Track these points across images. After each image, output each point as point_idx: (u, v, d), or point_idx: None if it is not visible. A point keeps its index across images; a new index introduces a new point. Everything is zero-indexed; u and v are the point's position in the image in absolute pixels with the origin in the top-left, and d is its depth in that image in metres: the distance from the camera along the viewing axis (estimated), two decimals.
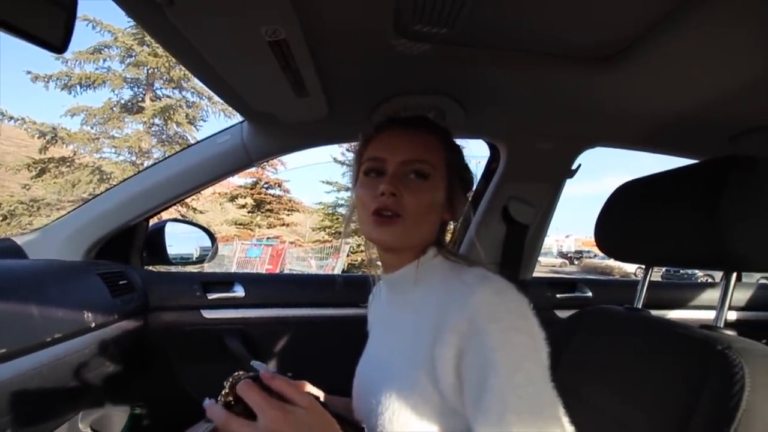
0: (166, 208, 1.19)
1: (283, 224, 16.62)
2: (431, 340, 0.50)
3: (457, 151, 0.65)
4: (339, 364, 0.79)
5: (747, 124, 1.01)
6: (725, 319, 0.66)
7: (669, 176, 0.74)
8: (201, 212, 13.48)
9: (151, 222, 1.31)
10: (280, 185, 16.62)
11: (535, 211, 1.16)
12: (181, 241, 1.47)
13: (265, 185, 16.43)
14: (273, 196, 16.57)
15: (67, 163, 11.42)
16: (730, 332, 0.63)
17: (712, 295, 1.40)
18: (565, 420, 0.44)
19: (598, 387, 0.71)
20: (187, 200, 12.97)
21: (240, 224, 15.78)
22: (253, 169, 16.30)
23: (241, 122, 1.07)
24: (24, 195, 10.55)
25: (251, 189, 16.19)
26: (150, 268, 1.32)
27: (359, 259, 13.04)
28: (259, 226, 16.03)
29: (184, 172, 1.09)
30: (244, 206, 16.10)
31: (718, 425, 0.50)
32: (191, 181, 1.09)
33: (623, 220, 0.82)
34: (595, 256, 20.45)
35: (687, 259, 0.75)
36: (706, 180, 0.65)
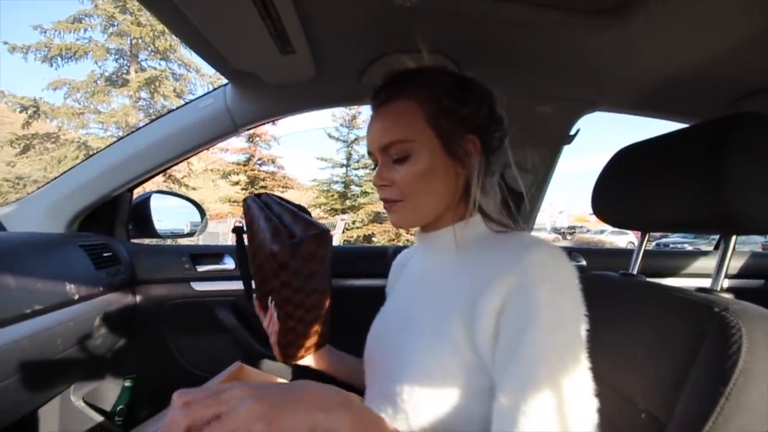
0: (150, 178, 1.15)
1: None
2: (474, 293, 0.49)
3: (446, 90, 0.55)
4: (345, 332, 0.79)
5: (750, 86, 0.97)
6: (722, 284, 0.64)
7: (668, 138, 0.72)
8: (194, 189, 13.35)
9: (136, 194, 1.28)
10: (273, 161, 16.41)
11: (531, 177, 1.13)
12: (168, 214, 1.43)
13: (259, 161, 16.21)
14: (267, 172, 16.39)
15: (52, 139, 11.15)
16: (727, 295, 0.62)
17: (706, 263, 1.40)
18: (593, 400, 0.44)
19: (594, 354, 0.70)
20: (179, 177, 12.82)
21: (234, 201, 15.65)
22: (245, 145, 16.07)
23: (225, 85, 1.01)
24: (9, 172, 10.33)
25: (244, 165, 15.98)
26: (137, 241, 1.28)
27: (355, 235, 13.09)
28: None
29: (165, 139, 1.04)
30: (237, 183, 15.94)
31: (714, 385, 0.49)
32: (174, 149, 1.05)
33: (621, 185, 0.80)
34: (588, 231, 20.71)
35: (685, 223, 0.72)
36: (707, 139, 0.62)
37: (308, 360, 0.76)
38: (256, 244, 0.69)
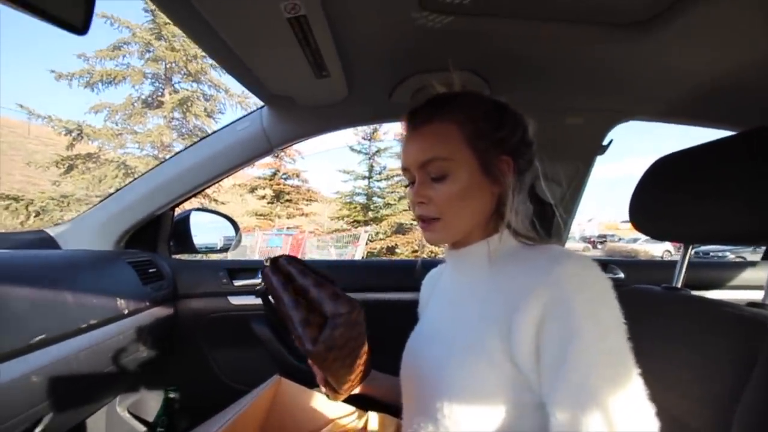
0: (190, 198, 1.21)
1: (303, 214, 16.80)
2: (508, 307, 0.49)
3: (483, 114, 0.57)
4: (377, 348, 0.79)
5: None
6: None
7: (708, 148, 0.70)
8: (222, 203, 13.76)
9: (177, 211, 1.34)
10: (298, 175, 16.76)
11: (563, 189, 1.12)
12: (205, 230, 1.49)
13: (284, 176, 16.59)
14: (292, 186, 16.74)
15: (93, 159, 11.81)
16: None
17: (754, 275, 1.33)
18: (650, 404, 0.44)
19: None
20: (209, 192, 13.26)
21: (260, 215, 16.04)
22: (271, 160, 16.50)
23: (260, 108, 1.06)
24: (54, 191, 10.98)
25: (270, 180, 16.39)
26: (177, 257, 1.34)
27: (378, 247, 13.11)
28: (279, 217, 16.27)
29: (205, 160, 1.10)
30: (263, 197, 16.34)
31: None
32: (213, 170, 1.10)
33: (660, 196, 0.78)
34: (620, 240, 19.91)
35: (729, 235, 0.70)
36: (749, 149, 0.61)
37: None
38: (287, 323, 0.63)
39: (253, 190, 16.22)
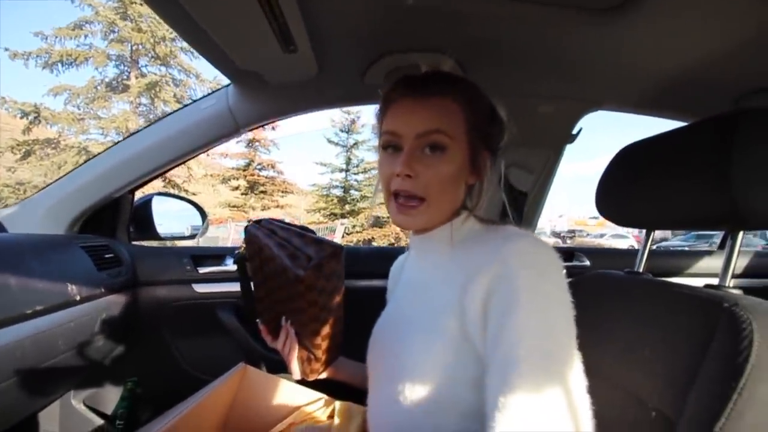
0: (151, 179, 1.14)
1: (278, 206, 16.51)
2: (463, 286, 0.50)
3: (482, 106, 0.57)
4: (349, 335, 0.79)
5: (752, 85, 0.97)
6: (731, 280, 0.64)
7: (673, 135, 0.71)
8: (193, 194, 13.33)
9: (137, 196, 1.27)
10: (273, 166, 16.42)
11: (534, 177, 1.13)
12: (170, 217, 1.43)
13: (258, 166, 16.23)
14: (266, 177, 16.39)
15: (53, 145, 11.16)
16: (736, 291, 0.61)
17: (711, 263, 1.40)
18: (580, 383, 0.44)
19: (600, 353, 0.70)
20: (179, 182, 12.81)
21: (233, 206, 15.66)
22: (245, 150, 16.09)
23: (227, 86, 1.01)
24: (9, 178, 10.33)
25: (244, 170, 15.99)
26: (138, 243, 1.28)
27: (354, 239, 13.07)
28: (253, 208, 15.92)
29: (167, 140, 1.04)
30: (237, 188, 15.95)
31: (726, 380, 0.49)
32: (175, 150, 1.04)
33: (625, 183, 0.79)
34: (588, 235, 20.68)
35: (692, 219, 0.72)
36: (714, 135, 0.62)
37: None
38: (270, 270, 0.70)
39: (226, 180, 15.79)
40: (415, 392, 0.50)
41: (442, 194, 0.55)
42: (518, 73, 0.95)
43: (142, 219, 1.26)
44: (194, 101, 1.06)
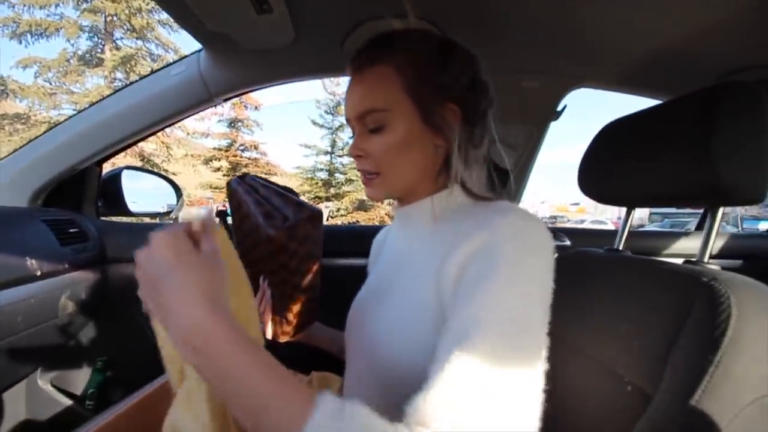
0: (119, 151, 1.08)
1: None
2: (444, 256, 0.47)
3: (425, 56, 0.51)
4: (328, 312, 0.77)
5: (737, 63, 0.97)
6: (710, 256, 0.64)
7: (655, 111, 0.70)
8: (173, 174, 12.98)
9: (106, 169, 1.21)
10: (256, 147, 16.13)
11: (517, 155, 1.11)
12: (142, 193, 1.37)
13: (241, 147, 15.91)
14: (249, 158, 16.10)
15: (22, 120, 10.64)
16: (714, 266, 0.61)
17: (688, 243, 1.42)
18: (540, 376, 0.38)
19: (579, 328, 0.70)
20: (158, 162, 12.43)
21: (215, 187, 15.37)
22: (227, 130, 15.71)
23: (199, 51, 0.95)
24: None
25: (226, 151, 15.66)
26: (106, 219, 1.22)
27: (339, 223, 13.03)
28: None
29: (134, 107, 0.98)
30: (219, 169, 15.64)
31: (703, 353, 0.48)
32: (143, 119, 0.98)
33: (606, 160, 0.78)
34: (568, 221, 21.17)
35: (672, 195, 0.71)
36: (695, 110, 0.61)
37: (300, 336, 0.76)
38: (246, 228, 0.69)
39: (207, 161, 15.45)
40: (387, 366, 0.48)
41: (393, 165, 0.52)
42: (503, 46, 0.92)
43: (111, 193, 1.20)
44: (164, 66, 0.99)
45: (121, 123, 0.99)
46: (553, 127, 1.18)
